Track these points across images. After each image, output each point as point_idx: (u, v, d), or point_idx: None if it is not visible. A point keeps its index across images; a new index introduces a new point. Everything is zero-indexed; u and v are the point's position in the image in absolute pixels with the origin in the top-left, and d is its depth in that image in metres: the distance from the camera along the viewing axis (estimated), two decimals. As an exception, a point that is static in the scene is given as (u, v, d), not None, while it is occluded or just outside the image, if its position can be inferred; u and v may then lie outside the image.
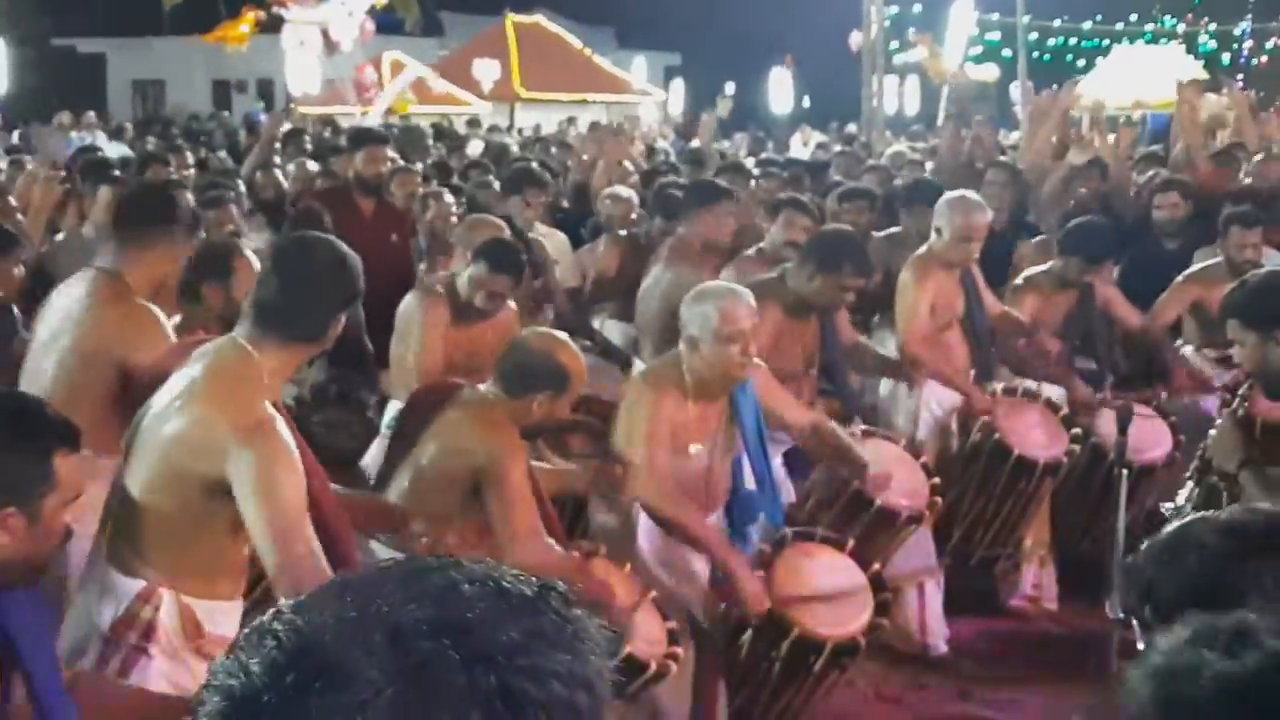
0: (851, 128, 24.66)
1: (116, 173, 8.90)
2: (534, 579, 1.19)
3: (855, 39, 26.55)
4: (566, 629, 1.15)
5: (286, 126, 14.97)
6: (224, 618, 3.73)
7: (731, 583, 5.02)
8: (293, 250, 3.91)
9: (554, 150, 15.96)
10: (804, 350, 6.28)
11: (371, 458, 6.28)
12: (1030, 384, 6.86)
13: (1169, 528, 2.71)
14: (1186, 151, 10.60)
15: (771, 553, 5.15)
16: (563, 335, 5.02)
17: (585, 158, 12.03)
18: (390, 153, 8.97)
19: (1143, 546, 2.73)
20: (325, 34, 21.35)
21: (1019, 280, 7.34)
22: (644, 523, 5.26)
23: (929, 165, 11.76)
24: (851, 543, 5.32)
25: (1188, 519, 2.69)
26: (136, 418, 3.81)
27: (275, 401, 3.76)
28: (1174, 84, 12.07)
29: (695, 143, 16.60)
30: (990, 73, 28.75)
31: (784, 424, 5.60)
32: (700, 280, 5.72)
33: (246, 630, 1.14)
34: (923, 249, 6.80)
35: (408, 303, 6.21)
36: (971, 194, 7.11)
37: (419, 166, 10.23)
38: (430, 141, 16.71)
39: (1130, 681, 1.71)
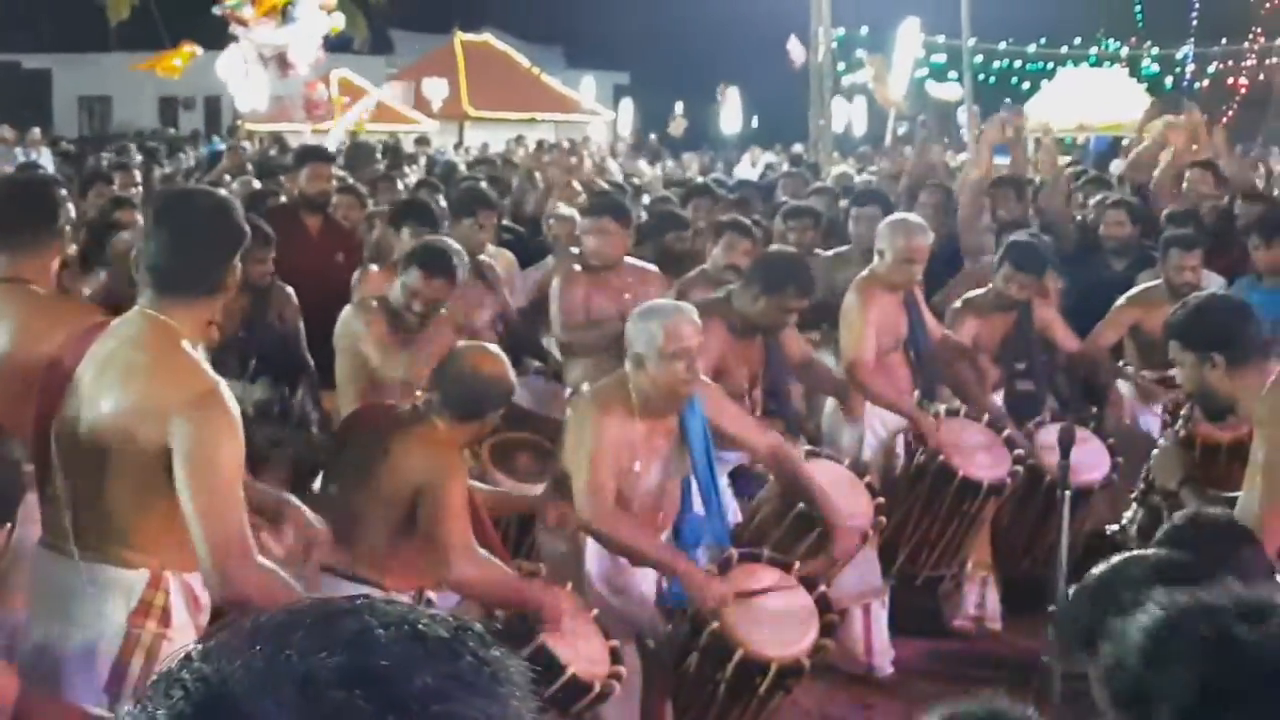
0: (798, 148, 24.76)
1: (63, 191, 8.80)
2: (450, 620, 1.15)
3: (795, 49, 26.64)
4: (484, 671, 1.12)
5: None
6: None
7: (685, 586, 5.02)
8: (171, 205, 3.94)
9: (499, 164, 15.96)
10: (749, 370, 6.30)
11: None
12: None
13: (1100, 568, 2.76)
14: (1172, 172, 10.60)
15: (718, 574, 5.16)
16: (492, 348, 5.02)
17: (540, 183, 12.04)
18: (338, 171, 8.94)
19: (1074, 590, 2.79)
20: (281, 58, 21.24)
21: (957, 303, 7.38)
22: (591, 544, 5.26)
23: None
24: (797, 564, 5.33)
25: (1117, 560, 2.75)
26: (64, 413, 3.75)
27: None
28: (1119, 107, 12.20)
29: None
30: (953, 92, 28.91)
31: (742, 445, 5.61)
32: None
33: (155, 678, 1.11)
34: (865, 272, 6.83)
35: (344, 318, 6.08)
36: (912, 216, 7.17)
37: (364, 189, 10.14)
38: (379, 157, 16.67)
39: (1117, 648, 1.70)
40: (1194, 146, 10.54)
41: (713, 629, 4.97)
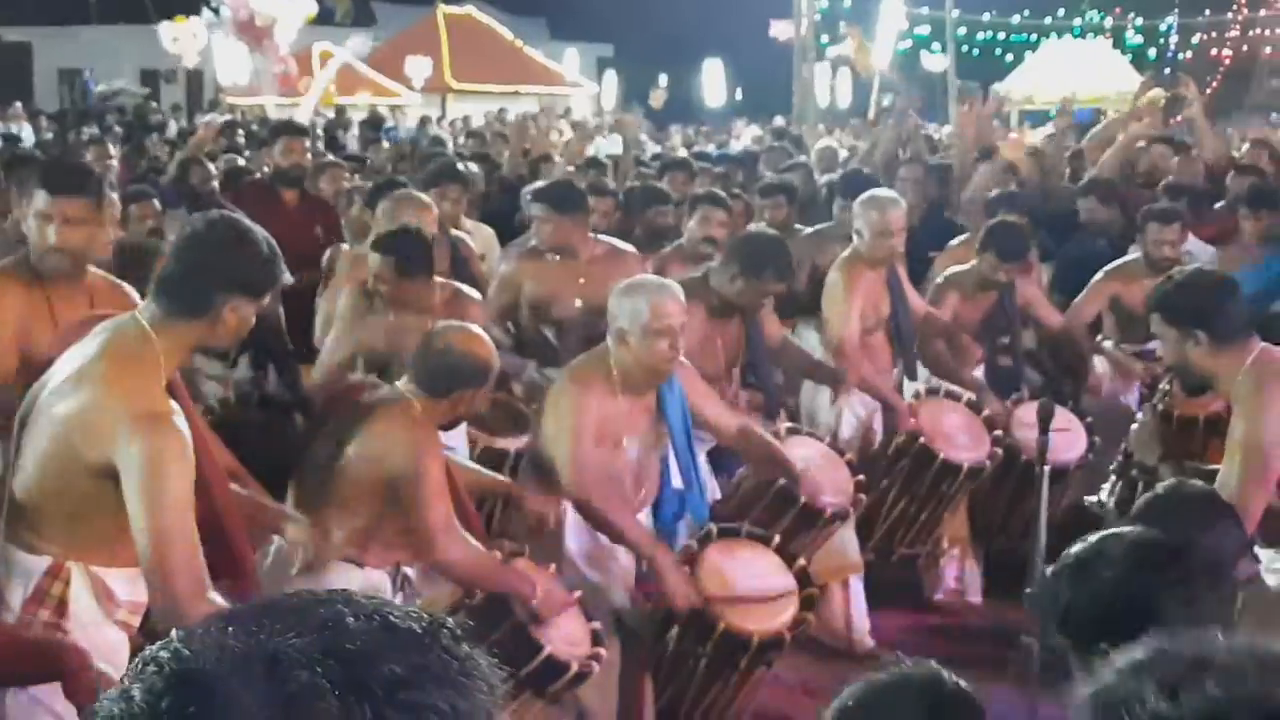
0: (779, 120, 24.69)
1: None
2: (425, 615, 1.17)
3: (778, 27, 26.60)
4: (453, 666, 1.14)
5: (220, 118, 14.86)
6: (133, 585, 3.69)
7: (659, 579, 5.03)
8: (194, 225, 3.84)
9: (488, 139, 15.91)
10: (726, 351, 6.28)
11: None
12: (952, 385, 6.89)
13: (1078, 546, 2.79)
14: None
15: (697, 549, 5.16)
16: (475, 328, 4.99)
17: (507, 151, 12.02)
18: (318, 146, 8.92)
19: (1051, 569, 2.82)
20: (252, 26, 21.15)
21: (939, 279, 7.38)
22: (571, 520, 5.26)
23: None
24: (777, 538, 5.33)
25: (1095, 538, 2.77)
26: (30, 394, 3.76)
27: (173, 381, 3.71)
28: (1103, 79, 12.20)
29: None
30: (942, 63, 28.88)
31: (711, 425, 5.61)
32: None
33: (138, 660, 1.13)
34: (847, 251, 6.82)
35: (329, 295, 6.09)
36: (884, 190, 7.16)
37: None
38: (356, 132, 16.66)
39: (1076, 700, 1.71)
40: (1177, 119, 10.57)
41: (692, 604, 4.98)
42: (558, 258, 6.88)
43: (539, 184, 8.46)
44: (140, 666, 1.12)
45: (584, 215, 6.99)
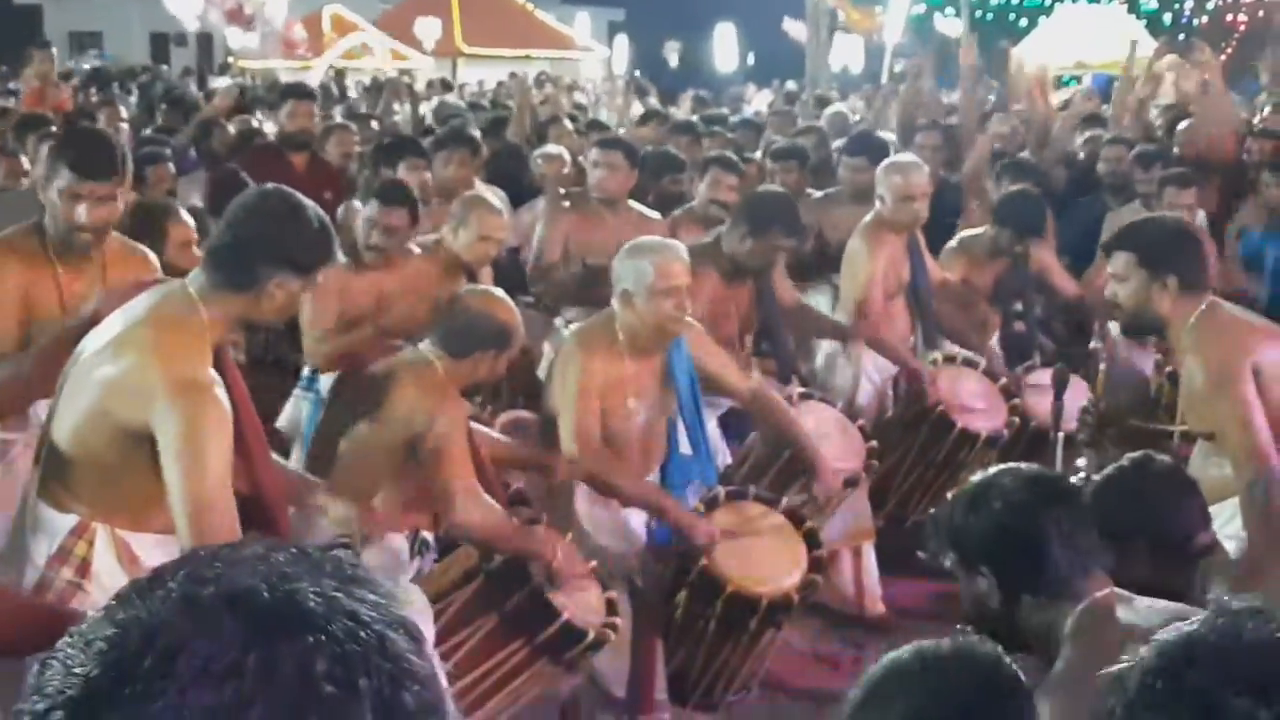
0: (791, 85, 24.56)
1: (53, 128, 8.76)
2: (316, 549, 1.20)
3: (791, 26, 26.49)
4: (369, 577, 1.18)
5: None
6: (159, 550, 3.67)
7: (676, 527, 5.03)
8: (248, 197, 3.81)
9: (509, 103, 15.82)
10: (739, 315, 6.28)
11: (286, 418, 6.23)
12: (969, 352, 6.87)
13: (975, 478, 3.08)
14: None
15: (704, 511, 5.16)
16: (499, 292, 5.00)
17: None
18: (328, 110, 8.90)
19: (950, 495, 3.11)
20: (240, 13, 21.18)
21: (952, 243, 7.35)
22: (580, 485, 5.25)
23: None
24: (785, 501, 5.32)
25: (993, 470, 3.07)
26: (72, 357, 3.75)
27: (222, 349, 3.71)
28: (1118, 44, 12.12)
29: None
30: (957, 27, 28.67)
31: (723, 388, 5.59)
32: None
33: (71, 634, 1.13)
34: (869, 216, 6.79)
35: None
36: (906, 155, 7.13)
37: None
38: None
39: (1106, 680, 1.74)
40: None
41: (701, 565, 4.97)
42: (604, 208, 7.09)
43: (606, 135, 8.74)
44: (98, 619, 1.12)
45: (636, 174, 7.30)
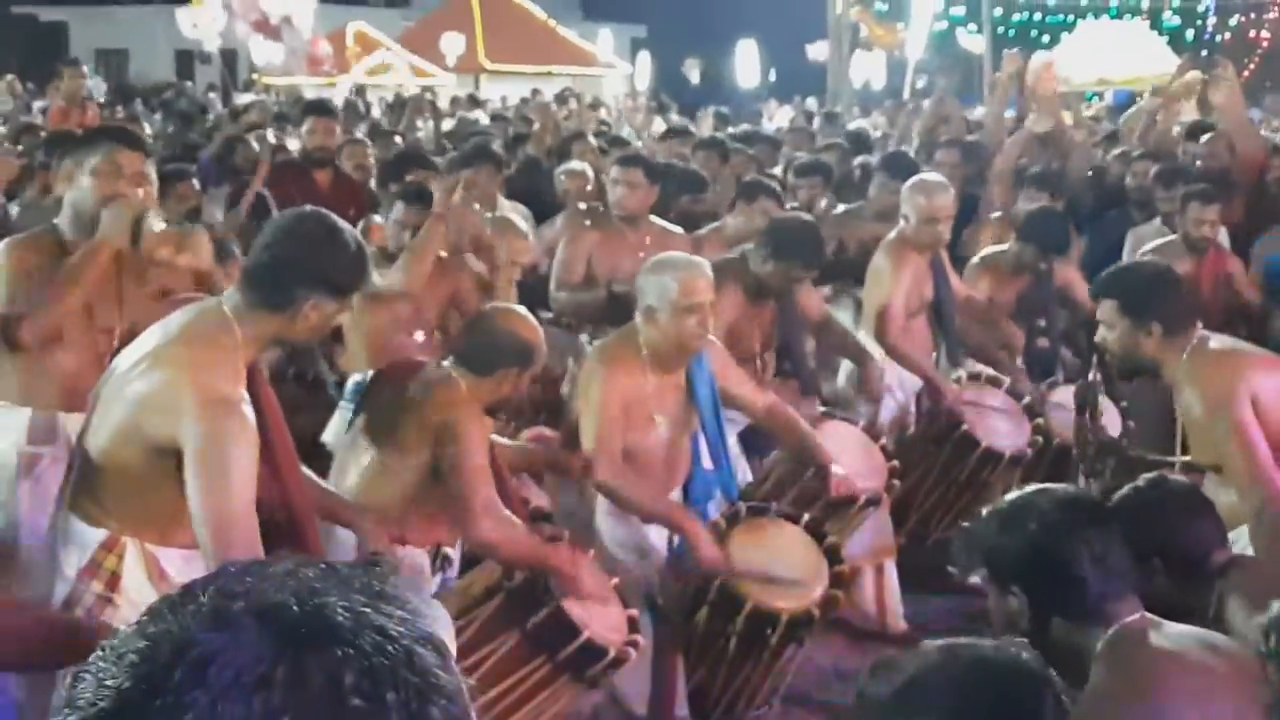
0: (811, 102, 24.58)
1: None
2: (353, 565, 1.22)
3: (814, 49, 26.49)
4: (397, 593, 1.19)
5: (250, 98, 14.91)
6: (188, 565, 3.69)
7: (692, 549, 5.02)
8: (286, 218, 3.85)
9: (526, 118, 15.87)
10: (761, 333, 6.29)
11: (333, 433, 6.25)
12: (993, 370, 6.86)
13: (1009, 497, 3.07)
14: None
15: (726, 527, 5.16)
16: (522, 309, 5.02)
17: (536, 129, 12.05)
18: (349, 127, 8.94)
19: (986, 511, 3.09)
20: (265, 23, 21.25)
21: (975, 260, 7.35)
22: (601, 501, 5.27)
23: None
24: (806, 516, 5.32)
25: (1028, 490, 3.07)
26: (107, 371, 3.80)
27: (255, 367, 3.74)
28: (1140, 60, 12.07)
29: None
30: (979, 44, 28.68)
31: (739, 403, 5.60)
32: None
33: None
34: (893, 234, 6.81)
35: None
36: (933, 175, 7.13)
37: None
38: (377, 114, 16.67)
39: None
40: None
41: (720, 582, 4.98)
42: (625, 225, 7.08)
43: (626, 152, 8.67)
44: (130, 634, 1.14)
45: (656, 191, 7.26)
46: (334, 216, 3.78)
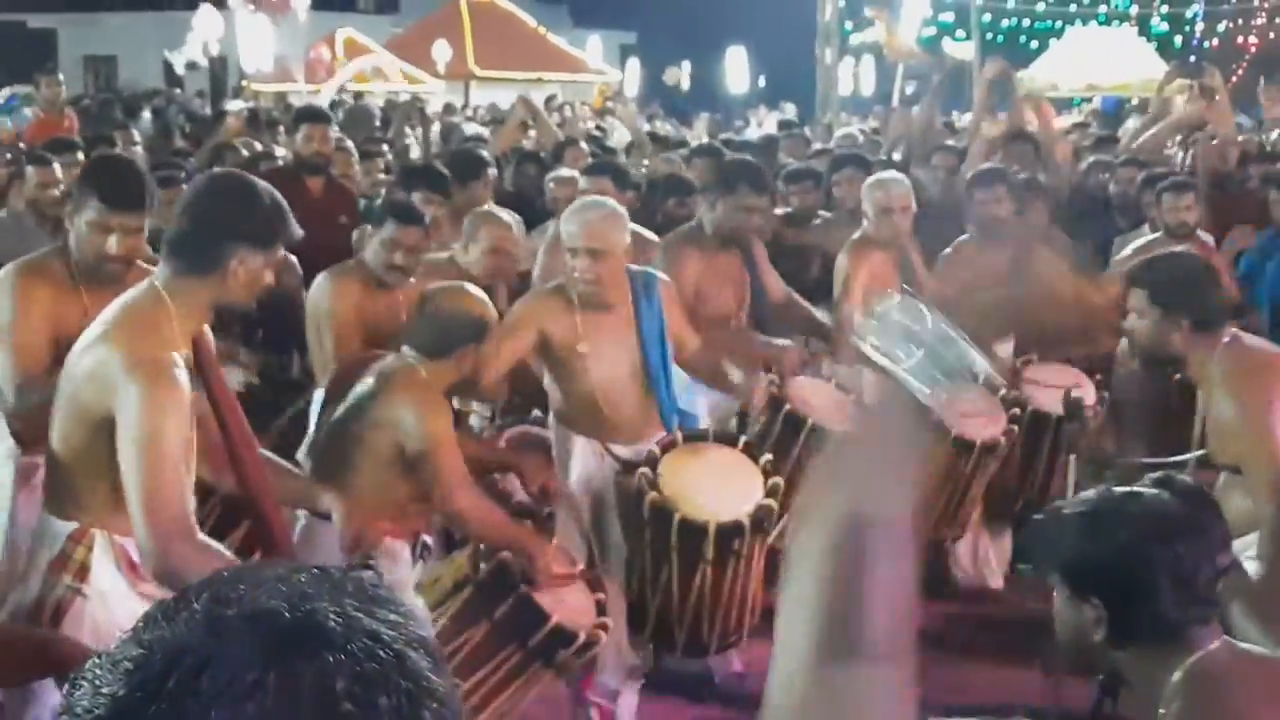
0: (790, 108, 24.60)
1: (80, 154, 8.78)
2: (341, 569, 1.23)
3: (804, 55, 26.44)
4: (390, 597, 1.20)
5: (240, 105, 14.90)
6: None
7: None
8: (198, 183, 3.90)
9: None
10: (735, 290, 6.52)
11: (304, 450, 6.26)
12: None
13: (1099, 495, 2.81)
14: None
15: (659, 453, 5.26)
16: (468, 285, 5.07)
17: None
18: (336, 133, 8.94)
19: (1065, 510, 2.83)
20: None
21: (948, 249, 7.40)
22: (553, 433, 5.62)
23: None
24: (744, 439, 5.49)
25: (1120, 492, 2.79)
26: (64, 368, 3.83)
27: (201, 339, 3.78)
28: (1128, 66, 12.10)
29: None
30: (967, 51, 28.74)
31: (676, 341, 5.75)
32: None
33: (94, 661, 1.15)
34: (857, 233, 6.97)
35: (317, 285, 5.97)
36: (888, 172, 7.27)
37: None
38: (377, 122, 16.65)
39: None
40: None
41: (650, 498, 5.07)
42: None
43: (596, 161, 8.87)
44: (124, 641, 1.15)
45: (629, 196, 7.48)
46: (246, 174, 3.87)
